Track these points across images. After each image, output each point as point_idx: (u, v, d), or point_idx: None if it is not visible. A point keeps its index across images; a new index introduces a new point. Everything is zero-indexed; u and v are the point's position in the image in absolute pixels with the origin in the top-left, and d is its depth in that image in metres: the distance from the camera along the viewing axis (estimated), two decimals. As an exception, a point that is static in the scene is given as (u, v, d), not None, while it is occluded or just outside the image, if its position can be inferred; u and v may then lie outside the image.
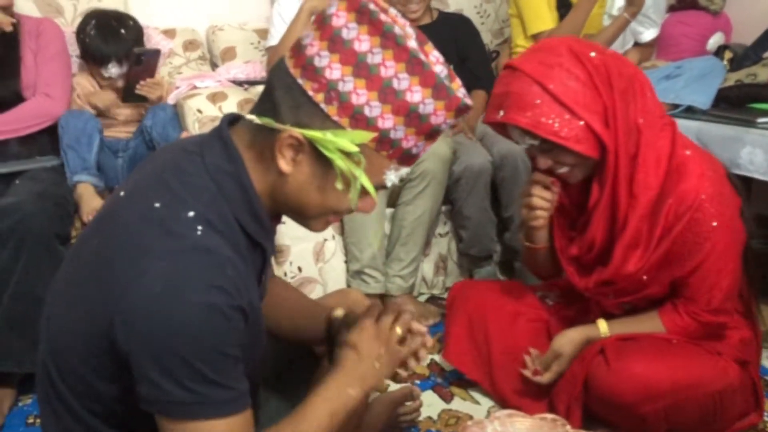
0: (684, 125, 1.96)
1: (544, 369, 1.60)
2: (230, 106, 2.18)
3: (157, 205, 0.88)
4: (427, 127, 0.88)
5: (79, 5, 2.44)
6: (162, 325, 0.82)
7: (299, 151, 0.89)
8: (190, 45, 2.63)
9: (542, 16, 2.47)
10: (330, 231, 2.23)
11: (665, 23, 2.78)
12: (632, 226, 1.46)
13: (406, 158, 0.92)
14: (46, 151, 2.06)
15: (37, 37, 2.10)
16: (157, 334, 0.82)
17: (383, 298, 2.24)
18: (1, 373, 1.73)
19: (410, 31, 0.89)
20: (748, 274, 1.55)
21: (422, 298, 2.39)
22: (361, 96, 0.84)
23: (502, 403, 1.71)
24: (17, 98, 2.04)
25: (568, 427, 1.26)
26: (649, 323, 1.55)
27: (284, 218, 1.04)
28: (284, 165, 0.89)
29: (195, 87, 2.32)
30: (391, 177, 0.92)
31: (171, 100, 2.23)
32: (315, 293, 2.18)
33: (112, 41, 2.08)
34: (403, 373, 1.17)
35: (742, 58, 2.33)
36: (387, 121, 0.86)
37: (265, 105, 0.91)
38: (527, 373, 1.62)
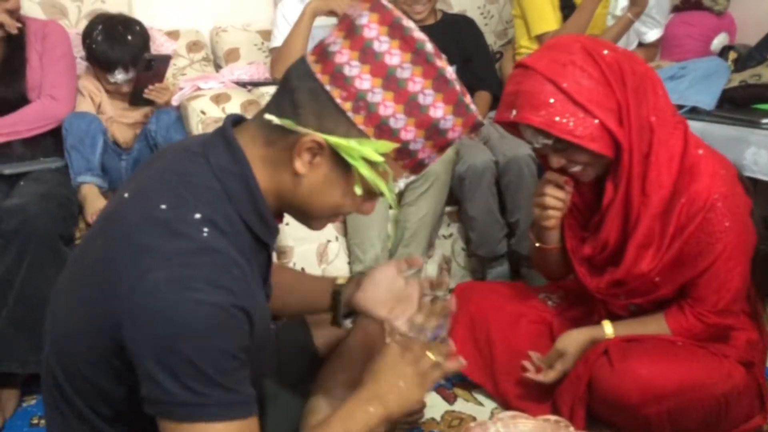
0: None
1: (547, 368, 1.60)
2: (234, 108, 2.18)
3: (163, 206, 0.88)
4: (444, 141, 0.93)
5: (84, 7, 2.45)
6: (167, 324, 0.82)
7: (317, 154, 0.90)
8: (193, 46, 2.63)
9: (546, 16, 2.47)
10: (333, 232, 2.23)
11: (669, 24, 2.78)
12: (644, 225, 1.45)
13: (419, 168, 0.96)
14: (50, 152, 2.07)
15: (42, 39, 2.11)
16: (161, 332, 0.82)
17: (386, 299, 2.24)
18: (5, 373, 1.73)
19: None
20: (756, 276, 1.55)
21: (425, 300, 2.38)
22: (388, 108, 0.88)
23: (505, 404, 1.71)
24: (22, 100, 2.05)
25: (572, 428, 1.26)
26: (654, 325, 1.55)
27: (287, 219, 1.05)
28: (300, 167, 0.91)
29: (199, 88, 2.32)
30: (400, 184, 0.95)
31: (175, 101, 2.24)
32: (318, 294, 2.18)
33: (118, 47, 2.08)
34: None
35: (747, 58, 2.32)
36: (409, 134, 0.90)
37: (283, 106, 0.91)
38: (530, 374, 1.61)
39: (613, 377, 1.45)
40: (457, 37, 2.56)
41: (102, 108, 2.19)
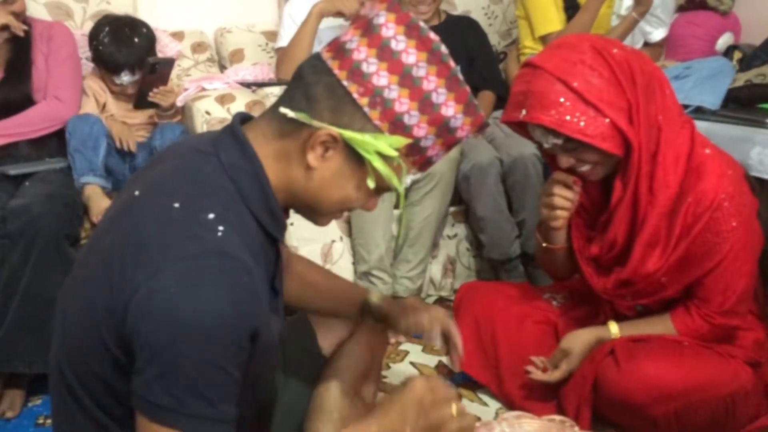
0: (693, 126, 1.96)
1: (552, 367, 1.59)
2: (238, 108, 2.19)
3: (176, 205, 0.89)
4: (452, 139, 0.96)
5: (89, 8, 2.46)
6: (167, 326, 0.82)
7: (330, 148, 0.92)
8: (198, 47, 2.64)
9: (550, 17, 2.47)
10: (338, 232, 2.23)
11: (674, 24, 2.78)
12: (651, 224, 1.45)
13: (426, 165, 0.98)
14: (55, 153, 2.08)
15: (48, 41, 2.11)
16: (160, 333, 0.82)
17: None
18: (11, 373, 1.74)
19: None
20: (763, 275, 1.54)
21: (430, 300, 2.38)
22: (403, 104, 0.90)
23: (510, 405, 1.71)
24: (28, 101, 2.05)
25: (577, 428, 1.26)
26: (661, 326, 1.54)
27: (292, 219, 1.05)
28: (313, 160, 0.92)
29: (203, 89, 2.33)
30: (407, 180, 0.97)
31: (179, 102, 2.24)
32: (323, 295, 2.18)
33: (125, 50, 2.09)
34: None
35: (752, 58, 2.32)
36: (422, 130, 0.92)
37: (297, 100, 0.93)
38: (534, 375, 1.61)
39: (620, 377, 1.45)
40: (461, 38, 2.56)
41: (107, 108, 2.19)
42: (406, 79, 0.90)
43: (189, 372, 0.82)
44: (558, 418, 1.28)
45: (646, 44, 2.70)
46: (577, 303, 1.77)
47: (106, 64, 2.12)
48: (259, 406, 1.26)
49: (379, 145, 0.90)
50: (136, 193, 0.95)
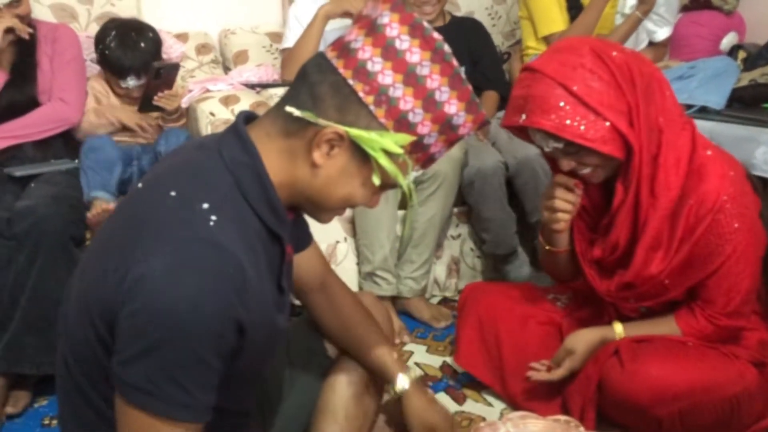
0: (697, 126, 1.94)
1: (555, 366, 1.59)
2: (243, 109, 2.19)
3: (173, 194, 0.90)
4: (455, 136, 0.97)
5: (93, 10, 2.46)
6: (149, 310, 0.83)
7: (336, 146, 0.93)
8: (202, 49, 2.64)
9: (553, 17, 2.47)
10: (342, 233, 2.23)
11: (678, 23, 2.77)
12: (653, 227, 1.44)
13: (429, 162, 1.00)
14: (60, 154, 2.09)
15: (53, 43, 2.12)
16: (142, 315, 0.83)
17: (395, 300, 2.24)
18: (17, 374, 1.74)
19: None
20: (766, 276, 1.54)
21: (434, 300, 2.38)
22: (408, 102, 0.92)
23: (514, 405, 1.71)
24: (33, 103, 2.06)
25: (582, 428, 1.25)
26: (665, 326, 1.54)
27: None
28: (318, 158, 0.93)
29: (207, 90, 2.33)
30: (410, 178, 0.97)
31: (184, 103, 2.25)
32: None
33: (131, 54, 2.10)
34: None
35: (756, 57, 2.31)
36: (425, 128, 0.94)
37: (302, 99, 0.94)
38: (536, 375, 1.61)
39: (624, 378, 1.45)
40: (465, 39, 2.56)
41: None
42: (410, 77, 0.91)
43: (165, 357, 0.83)
44: (563, 418, 1.27)
45: (651, 44, 2.70)
46: (581, 304, 1.76)
47: (113, 68, 2.12)
48: (263, 404, 1.27)
49: (385, 143, 0.92)
50: (140, 185, 0.98)
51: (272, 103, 2.19)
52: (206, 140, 1.01)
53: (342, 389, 1.27)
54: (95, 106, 2.17)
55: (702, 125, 2.00)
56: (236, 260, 0.88)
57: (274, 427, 1.27)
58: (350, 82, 0.91)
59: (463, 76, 0.94)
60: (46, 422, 1.73)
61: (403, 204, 2.26)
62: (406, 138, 0.93)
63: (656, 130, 1.41)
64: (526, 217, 2.32)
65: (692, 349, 1.49)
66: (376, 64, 0.91)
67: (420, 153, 0.96)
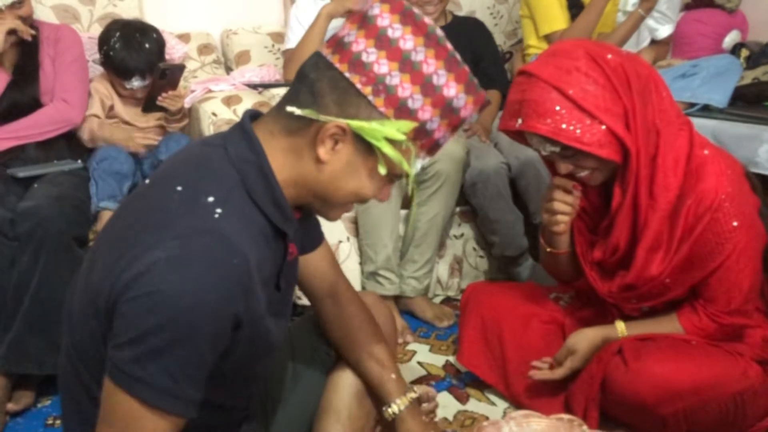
0: (700, 124, 1.95)
1: (557, 364, 1.59)
2: (245, 109, 2.19)
3: (179, 188, 0.91)
4: (457, 120, 0.96)
5: (96, 11, 2.47)
6: (150, 296, 0.83)
7: (340, 140, 0.93)
8: (204, 49, 2.65)
9: (554, 15, 2.47)
10: (344, 233, 2.23)
11: (681, 22, 2.77)
12: (652, 228, 1.44)
13: (434, 149, 0.99)
14: (63, 155, 2.09)
15: (55, 43, 2.12)
16: (142, 301, 0.83)
17: (398, 299, 2.24)
18: (21, 375, 1.75)
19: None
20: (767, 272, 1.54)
21: (437, 300, 2.38)
22: (406, 89, 0.92)
23: (518, 405, 1.71)
24: (36, 104, 2.06)
25: (585, 427, 1.25)
26: (668, 325, 1.54)
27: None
28: (324, 153, 0.94)
29: (210, 90, 2.33)
30: (417, 165, 0.98)
31: (186, 103, 2.25)
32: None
33: (136, 55, 2.09)
34: None
35: (759, 55, 2.32)
36: (426, 113, 0.93)
37: (303, 98, 0.94)
38: (537, 374, 1.61)
39: (627, 377, 1.45)
40: (467, 38, 2.56)
41: (114, 111, 2.20)
42: (405, 64, 0.91)
43: (159, 345, 0.83)
44: (566, 417, 1.26)
45: (653, 42, 2.70)
46: (583, 303, 1.76)
47: (117, 70, 2.12)
48: (266, 403, 1.27)
49: (387, 131, 0.92)
50: (146, 182, 0.99)
51: (274, 103, 2.20)
52: (212, 138, 1.02)
53: (345, 389, 1.27)
54: (100, 120, 2.16)
55: (705, 123, 2.01)
56: (241, 252, 0.88)
57: (276, 427, 1.27)
58: (347, 75, 0.92)
59: (459, 58, 0.94)
60: (50, 422, 1.73)
61: (406, 204, 2.26)
62: (408, 125, 0.92)
63: (653, 131, 1.41)
64: (529, 218, 2.32)
65: (696, 347, 1.49)
66: (370, 54, 0.91)
67: (424, 139, 0.96)
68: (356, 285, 2.25)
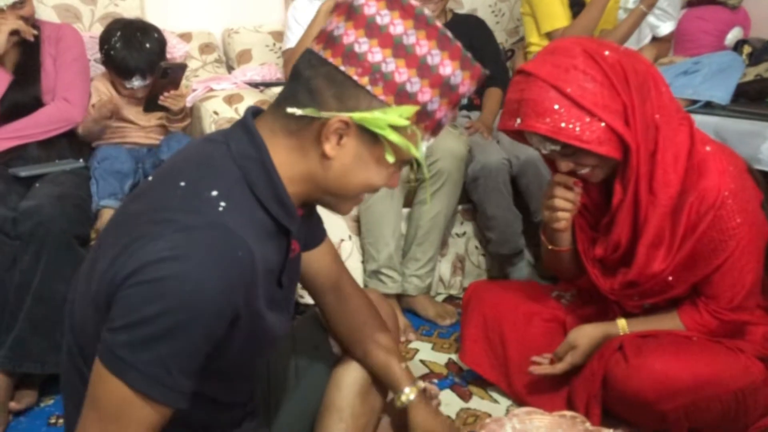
0: (703, 121, 1.94)
1: (557, 359, 1.59)
2: (250, 105, 2.19)
3: (182, 184, 0.91)
4: (456, 96, 0.96)
5: (97, 11, 2.47)
6: (151, 284, 0.83)
7: (344, 134, 0.93)
8: (206, 48, 2.65)
9: (555, 13, 2.46)
10: (346, 231, 2.23)
11: (683, 18, 2.76)
12: (653, 224, 1.44)
13: (438, 129, 0.99)
14: (65, 154, 2.09)
15: (56, 43, 2.13)
16: (143, 289, 0.83)
17: (400, 297, 2.24)
18: (23, 374, 1.75)
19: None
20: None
21: (439, 298, 2.38)
22: (402, 74, 0.92)
23: (520, 402, 1.70)
24: (37, 103, 2.07)
25: (588, 424, 1.25)
26: (669, 322, 1.54)
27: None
28: (330, 149, 0.94)
29: (211, 89, 2.34)
30: (422, 148, 0.97)
31: (188, 102, 2.25)
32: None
33: (137, 55, 2.09)
34: None
35: (761, 52, 2.31)
36: (426, 95, 0.93)
37: (300, 97, 0.94)
38: (537, 369, 1.60)
39: (629, 373, 1.45)
40: (467, 36, 2.53)
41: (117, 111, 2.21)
42: (398, 49, 0.91)
43: (155, 333, 0.83)
44: (569, 413, 1.26)
45: (654, 39, 2.69)
46: (585, 301, 1.76)
47: (118, 69, 2.12)
48: (268, 400, 1.27)
49: (390, 118, 0.92)
50: (150, 179, 0.99)
51: (276, 102, 2.20)
52: (215, 134, 1.02)
53: (347, 386, 1.27)
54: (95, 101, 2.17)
55: (707, 120, 2.00)
56: (245, 245, 0.88)
57: (278, 425, 1.27)
58: (342, 68, 0.91)
59: (450, 35, 0.94)
60: (53, 421, 1.73)
61: (408, 202, 2.26)
62: (410, 109, 0.92)
63: (653, 127, 1.41)
64: (530, 216, 2.31)
65: (697, 343, 1.48)
66: (362, 44, 0.91)
67: (427, 121, 0.95)
68: (359, 283, 2.24)
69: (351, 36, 0.92)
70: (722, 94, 2.11)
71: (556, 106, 1.35)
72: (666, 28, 2.65)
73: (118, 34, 2.11)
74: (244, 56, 2.69)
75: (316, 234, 1.25)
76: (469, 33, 2.57)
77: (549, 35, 2.48)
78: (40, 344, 1.70)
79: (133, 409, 0.86)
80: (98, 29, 2.26)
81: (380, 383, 1.31)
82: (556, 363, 1.59)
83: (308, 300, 1.40)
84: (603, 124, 1.35)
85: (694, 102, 2.12)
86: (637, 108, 1.37)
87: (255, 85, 2.46)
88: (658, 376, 1.42)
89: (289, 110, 0.94)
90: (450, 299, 2.39)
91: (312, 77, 0.93)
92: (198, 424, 1.03)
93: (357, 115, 0.92)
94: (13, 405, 1.72)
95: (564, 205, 1.51)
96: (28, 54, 2.07)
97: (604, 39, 2.18)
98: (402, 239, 2.24)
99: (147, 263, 0.83)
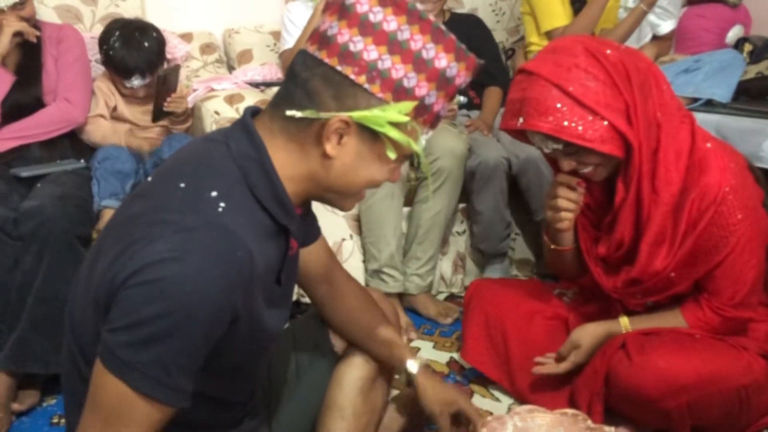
0: (704, 119, 1.94)
1: (560, 359, 1.59)
2: (249, 105, 2.19)
3: (182, 185, 0.92)
4: (453, 89, 0.97)
5: (98, 11, 2.47)
6: (151, 284, 0.83)
7: (344, 134, 0.94)
8: (206, 48, 2.65)
9: (555, 12, 2.46)
10: (347, 231, 2.24)
11: (684, 17, 2.76)
12: (656, 222, 1.44)
13: (436, 122, 1.00)
14: (66, 155, 2.09)
15: (57, 43, 2.13)
16: (143, 289, 0.83)
17: (402, 296, 2.24)
18: (26, 374, 1.75)
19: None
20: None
21: (441, 297, 2.38)
22: (399, 70, 0.92)
23: (522, 401, 1.70)
24: (38, 104, 2.07)
25: (589, 422, 1.25)
26: (672, 319, 1.54)
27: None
28: (331, 149, 0.94)
29: (212, 89, 2.34)
30: (422, 141, 0.98)
31: (189, 102, 2.26)
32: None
33: (136, 54, 2.10)
34: None
35: (762, 50, 2.31)
36: (423, 89, 0.94)
37: (298, 99, 0.94)
38: (541, 369, 1.60)
39: (631, 370, 1.45)
40: (466, 36, 2.51)
41: (118, 111, 2.21)
42: (393, 45, 0.92)
43: (156, 333, 0.83)
44: (570, 411, 1.27)
45: (655, 37, 2.69)
46: (587, 299, 1.76)
47: (117, 69, 2.13)
48: (269, 399, 1.27)
49: (389, 116, 0.92)
50: (149, 179, 0.99)
51: (276, 101, 2.20)
52: (214, 134, 1.02)
53: (349, 385, 1.27)
54: (112, 126, 2.17)
55: (708, 118, 2.00)
56: (244, 245, 0.89)
57: (280, 423, 1.27)
58: (338, 68, 0.92)
59: (444, 27, 0.94)
60: (55, 421, 1.73)
61: (409, 201, 2.26)
62: (408, 105, 0.93)
63: (654, 125, 1.41)
64: (531, 215, 2.31)
65: (700, 341, 1.48)
66: (357, 43, 0.92)
67: (425, 115, 0.96)
68: (360, 283, 2.24)
69: (345, 35, 0.92)
70: (723, 92, 2.11)
71: (559, 105, 1.35)
72: (667, 26, 2.64)
73: (117, 33, 2.11)
74: (245, 56, 2.69)
75: (311, 231, 1.26)
76: (467, 32, 2.56)
77: (549, 34, 2.48)
78: (42, 344, 1.71)
79: (134, 409, 0.86)
80: (99, 30, 2.25)
81: (382, 382, 1.31)
82: (560, 362, 1.59)
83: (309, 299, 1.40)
84: (605, 123, 1.35)
85: (695, 100, 2.13)
86: (639, 106, 1.37)
87: (256, 85, 2.46)
88: (660, 373, 1.42)
89: (289, 113, 0.94)
90: (451, 298, 2.39)
91: (309, 78, 0.93)
92: (198, 423, 1.03)
93: (356, 114, 0.92)
94: (15, 407, 1.72)
95: (567, 205, 1.51)
96: (29, 55, 2.08)
97: (605, 38, 2.18)
98: (403, 238, 2.24)
99: (147, 264, 0.83)
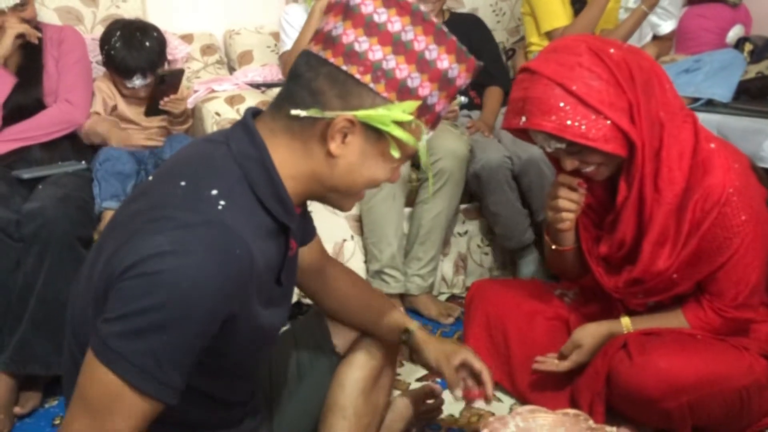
0: (705, 119, 1.94)
1: (561, 358, 1.59)
2: (250, 106, 2.19)
3: (182, 183, 0.92)
4: (454, 89, 0.98)
5: (99, 13, 2.47)
6: (149, 277, 0.83)
7: (349, 133, 0.94)
8: (207, 49, 2.65)
9: (556, 12, 2.46)
10: (349, 231, 2.24)
11: (684, 17, 2.76)
12: (658, 222, 1.44)
13: (437, 122, 1.01)
14: (68, 156, 2.09)
15: (58, 45, 2.13)
16: (141, 281, 0.84)
17: (403, 297, 2.24)
18: (28, 375, 1.75)
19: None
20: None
21: (442, 298, 2.38)
22: (403, 70, 0.94)
23: (523, 401, 1.70)
24: (39, 105, 2.07)
25: (591, 422, 1.25)
26: (673, 320, 1.54)
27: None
28: (335, 148, 0.95)
29: (213, 90, 2.34)
30: (423, 141, 0.99)
31: (190, 104, 2.26)
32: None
33: (136, 54, 2.10)
34: None
35: (763, 49, 2.31)
36: (425, 89, 0.95)
37: (302, 98, 0.95)
38: (542, 366, 1.61)
39: (633, 371, 1.45)
40: (466, 36, 2.52)
41: (118, 111, 2.21)
42: (398, 46, 0.93)
43: (149, 325, 0.83)
44: (572, 411, 1.27)
45: (656, 37, 2.69)
46: (588, 299, 1.76)
47: (118, 69, 2.13)
48: (271, 400, 1.27)
49: (394, 115, 0.93)
50: (150, 178, 1.00)
51: (277, 102, 2.20)
52: (215, 134, 1.03)
53: (351, 385, 1.27)
54: (99, 116, 2.16)
55: (709, 118, 2.00)
56: (244, 243, 0.89)
57: (281, 423, 1.27)
58: (344, 68, 0.93)
59: (445, 29, 0.96)
60: (57, 422, 1.74)
61: (410, 202, 2.27)
62: (412, 104, 0.94)
63: (657, 124, 1.40)
64: (533, 215, 2.32)
65: (701, 341, 1.48)
66: (362, 43, 0.93)
67: (427, 114, 0.97)
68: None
69: (350, 35, 0.93)
70: (724, 92, 2.11)
71: (562, 104, 1.35)
72: (667, 26, 2.64)
73: (118, 34, 2.11)
74: (246, 57, 2.69)
75: (308, 231, 1.27)
76: (467, 32, 2.57)
77: (549, 35, 2.48)
78: (44, 346, 1.71)
79: (121, 400, 0.85)
80: (100, 31, 2.25)
81: (383, 382, 1.32)
82: (560, 362, 1.59)
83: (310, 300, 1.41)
84: (609, 122, 1.35)
85: (696, 100, 2.13)
86: (642, 105, 1.37)
87: (256, 86, 2.46)
88: (662, 373, 1.42)
89: (293, 112, 0.94)
90: (452, 298, 2.39)
91: (313, 78, 0.94)
92: (198, 422, 1.03)
93: (361, 113, 0.93)
94: (17, 410, 1.72)
95: (568, 205, 1.51)
96: (30, 56, 2.08)
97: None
98: (404, 239, 2.24)
99: (146, 256, 0.84)
